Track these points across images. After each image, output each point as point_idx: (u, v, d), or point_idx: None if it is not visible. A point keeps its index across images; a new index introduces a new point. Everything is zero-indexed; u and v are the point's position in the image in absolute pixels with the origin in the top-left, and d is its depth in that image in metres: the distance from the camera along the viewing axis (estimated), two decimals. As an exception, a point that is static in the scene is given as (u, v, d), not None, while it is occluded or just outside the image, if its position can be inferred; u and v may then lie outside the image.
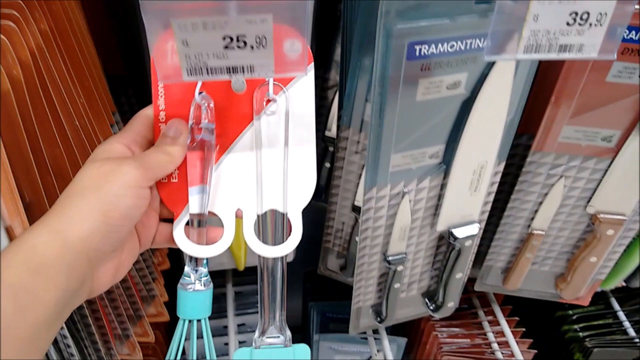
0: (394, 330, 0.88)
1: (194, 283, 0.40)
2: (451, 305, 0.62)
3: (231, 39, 0.30)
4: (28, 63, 0.37)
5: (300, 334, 0.95)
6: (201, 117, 0.38)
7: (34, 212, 0.39)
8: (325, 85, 0.62)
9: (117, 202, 0.34)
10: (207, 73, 0.32)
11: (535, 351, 0.79)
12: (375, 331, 0.79)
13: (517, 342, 0.76)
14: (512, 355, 0.76)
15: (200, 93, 0.38)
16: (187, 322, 0.40)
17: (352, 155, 0.56)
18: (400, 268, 0.56)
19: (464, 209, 0.53)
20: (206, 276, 0.40)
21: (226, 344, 0.74)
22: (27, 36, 0.37)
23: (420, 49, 0.39)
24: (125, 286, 0.55)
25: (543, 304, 0.80)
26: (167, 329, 0.74)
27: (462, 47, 0.40)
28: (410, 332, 0.87)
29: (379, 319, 0.62)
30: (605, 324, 0.85)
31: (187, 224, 0.39)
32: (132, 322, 0.55)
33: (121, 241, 0.36)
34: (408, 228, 0.53)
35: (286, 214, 0.40)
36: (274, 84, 0.39)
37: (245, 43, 0.31)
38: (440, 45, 0.39)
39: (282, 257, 0.40)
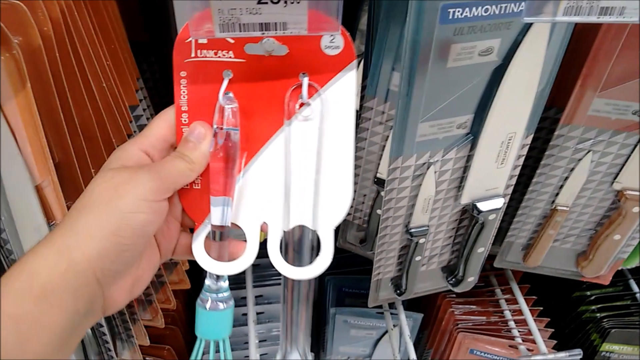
0: (410, 307, 0.88)
1: (214, 300, 0.37)
2: (471, 280, 0.62)
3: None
4: (58, 21, 0.36)
5: (315, 308, 0.95)
6: (226, 119, 0.35)
7: (63, 172, 0.39)
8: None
9: (129, 219, 0.31)
10: (240, 29, 0.31)
11: (552, 330, 0.78)
12: (392, 306, 0.79)
13: (534, 321, 0.76)
14: (529, 333, 0.75)
15: (226, 94, 0.35)
16: (204, 340, 0.37)
17: (376, 126, 0.55)
18: (422, 240, 0.55)
19: (490, 182, 0.52)
20: (227, 291, 0.37)
21: (244, 314, 0.74)
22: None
23: (453, 12, 0.38)
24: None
25: (561, 284, 0.80)
26: (187, 297, 0.75)
27: (497, 11, 0.39)
28: (426, 309, 0.87)
29: (398, 291, 0.62)
30: (624, 305, 0.84)
31: (208, 236, 0.36)
32: (154, 288, 0.55)
33: (134, 259, 0.33)
34: (432, 200, 0.52)
35: (316, 231, 0.36)
36: (309, 85, 0.35)
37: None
38: (474, 8, 0.38)
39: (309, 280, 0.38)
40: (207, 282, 0.37)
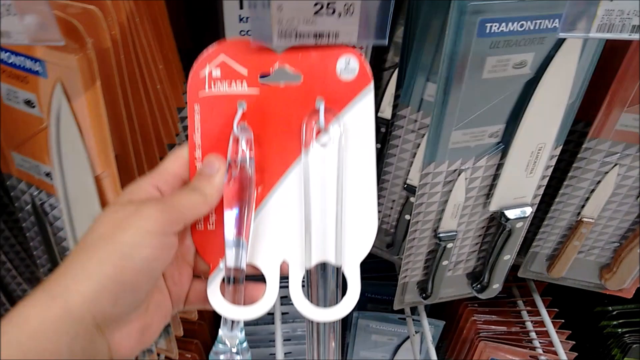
0: (430, 315, 0.89)
1: (230, 351, 0.34)
2: (496, 287, 0.63)
3: (322, 5, 0.32)
4: (124, 26, 0.40)
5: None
6: (240, 151, 0.34)
7: (120, 164, 0.42)
8: (382, 67, 0.64)
9: (132, 253, 0.28)
10: (296, 37, 0.34)
11: (574, 342, 0.79)
12: (414, 312, 0.80)
13: (556, 333, 0.77)
14: (550, 344, 0.76)
15: (239, 125, 0.34)
16: None
17: (408, 134, 0.58)
18: (450, 245, 0.57)
19: (518, 190, 0.54)
20: (244, 342, 0.34)
21: (270, 313, 0.77)
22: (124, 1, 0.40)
23: (491, 27, 0.41)
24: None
25: (582, 299, 0.81)
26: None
27: (532, 27, 0.41)
28: (447, 318, 0.88)
29: (424, 295, 0.63)
30: (646, 322, 0.85)
31: (224, 280, 0.34)
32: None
33: (139, 301, 0.30)
34: (461, 206, 0.54)
35: (341, 267, 0.34)
36: (326, 110, 0.33)
37: (334, 10, 0.33)
38: (510, 23, 0.41)
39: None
40: (222, 331, 0.34)
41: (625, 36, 0.36)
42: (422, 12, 0.49)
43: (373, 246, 0.70)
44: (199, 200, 0.32)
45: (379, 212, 0.67)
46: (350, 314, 0.86)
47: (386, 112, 0.66)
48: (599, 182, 0.58)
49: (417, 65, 0.52)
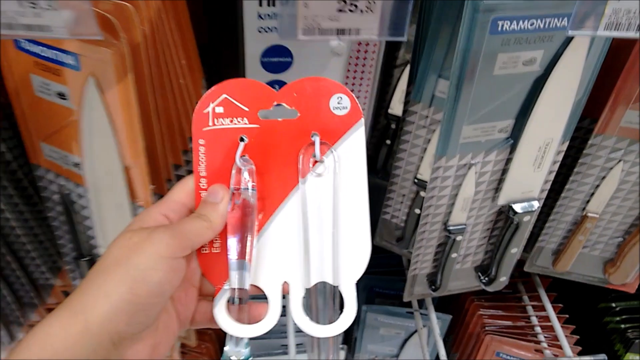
0: (438, 309, 0.91)
1: None
2: (503, 279, 0.65)
3: (345, 2, 0.34)
4: (151, 22, 0.41)
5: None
6: (242, 181, 0.36)
7: (147, 156, 0.44)
8: (393, 64, 0.66)
9: (145, 277, 0.31)
10: (319, 33, 0.36)
11: (578, 337, 0.81)
12: (421, 307, 0.82)
13: (560, 327, 0.78)
14: (555, 338, 0.78)
15: (242, 157, 0.36)
16: None
17: (419, 129, 0.59)
18: (459, 238, 0.59)
19: (526, 185, 0.56)
20: (249, 357, 0.37)
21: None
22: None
23: (502, 25, 0.42)
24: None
25: (586, 295, 0.82)
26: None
27: (541, 25, 0.43)
28: (454, 312, 0.90)
29: (433, 287, 0.65)
30: (648, 317, 0.86)
31: (229, 300, 0.36)
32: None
33: (150, 321, 0.33)
34: (471, 200, 0.56)
35: (338, 287, 0.36)
36: (321, 143, 0.36)
37: (356, 7, 0.35)
38: (521, 22, 0.43)
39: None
40: (228, 347, 0.36)
41: (631, 34, 0.38)
42: (435, 11, 0.51)
43: (383, 240, 0.72)
44: (205, 226, 0.34)
45: (389, 206, 0.69)
46: (359, 308, 0.88)
47: (396, 109, 0.68)
48: (603, 177, 0.59)
49: (429, 62, 0.54)
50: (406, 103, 0.60)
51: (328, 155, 0.36)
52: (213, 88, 0.36)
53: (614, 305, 0.88)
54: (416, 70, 0.56)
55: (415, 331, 0.87)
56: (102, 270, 0.31)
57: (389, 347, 0.92)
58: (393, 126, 0.70)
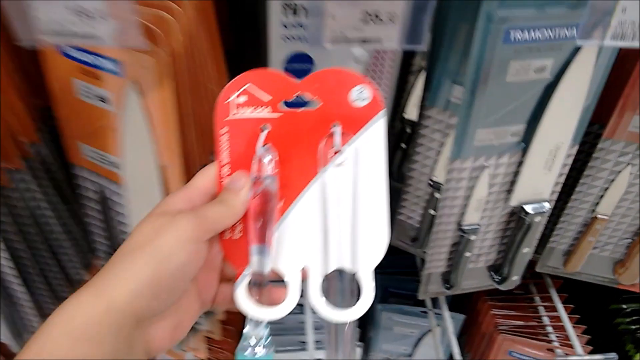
0: (451, 309, 0.93)
1: (255, 347, 0.37)
2: (515, 278, 0.67)
3: (369, 14, 0.37)
4: (188, 30, 0.45)
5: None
6: (264, 169, 0.37)
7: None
8: (408, 70, 0.69)
9: (168, 259, 0.32)
10: (344, 42, 0.39)
11: (589, 337, 0.82)
12: (435, 306, 0.85)
13: (572, 327, 0.80)
14: (566, 338, 0.80)
15: (264, 145, 0.37)
16: None
17: (434, 133, 0.62)
18: (473, 237, 0.61)
19: (537, 186, 0.58)
20: (268, 339, 0.37)
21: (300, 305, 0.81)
22: (189, 9, 0.45)
23: (515, 34, 0.45)
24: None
25: (597, 296, 0.84)
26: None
27: (552, 35, 0.46)
28: (467, 312, 0.92)
29: (447, 286, 0.68)
30: (659, 319, 0.88)
31: (249, 284, 0.37)
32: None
33: (173, 301, 0.34)
34: (484, 200, 0.58)
35: (356, 273, 0.37)
36: (341, 133, 0.37)
37: (378, 18, 0.38)
38: (532, 32, 0.45)
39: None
40: (247, 329, 0.37)
41: (636, 44, 0.41)
42: (450, 20, 0.54)
43: (398, 240, 0.75)
44: (227, 211, 0.35)
45: (404, 207, 0.71)
46: (374, 307, 0.90)
47: (411, 114, 0.70)
48: (612, 180, 0.62)
49: (444, 69, 0.57)
50: (422, 108, 0.62)
51: (348, 146, 0.37)
52: (236, 78, 0.37)
53: (624, 306, 0.90)
54: (431, 76, 0.59)
55: (429, 330, 0.89)
56: (127, 253, 0.32)
57: (403, 346, 0.94)
58: (408, 130, 0.72)
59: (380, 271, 0.93)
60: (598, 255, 0.70)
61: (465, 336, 0.95)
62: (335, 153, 0.37)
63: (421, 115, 0.62)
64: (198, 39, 0.47)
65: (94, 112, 0.47)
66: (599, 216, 0.65)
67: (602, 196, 0.63)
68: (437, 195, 0.65)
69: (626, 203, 0.63)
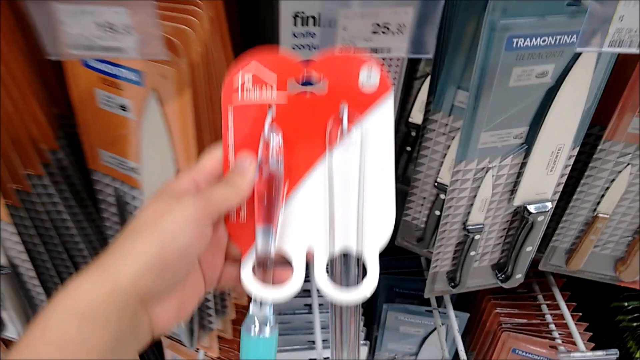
0: (455, 308, 0.95)
1: (260, 326, 0.37)
2: (519, 277, 0.69)
3: (379, 26, 0.39)
4: (204, 43, 0.47)
5: (367, 308, 1.03)
6: (270, 150, 0.37)
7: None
8: (413, 76, 0.71)
9: (173, 240, 0.32)
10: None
11: (591, 333, 0.84)
12: (440, 305, 0.87)
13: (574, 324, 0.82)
14: (569, 335, 0.82)
15: (270, 126, 0.37)
16: None
17: (440, 137, 0.64)
18: (477, 237, 0.63)
19: (540, 187, 0.60)
20: (272, 317, 0.38)
21: (307, 305, 0.83)
22: (205, 21, 0.47)
23: (517, 42, 0.47)
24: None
25: (599, 295, 0.86)
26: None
27: (552, 42, 0.48)
28: (472, 311, 0.94)
29: (452, 284, 0.70)
30: (660, 316, 0.90)
31: (255, 264, 0.37)
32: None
33: (177, 281, 0.34)
34: (488, 201, 0.60)
35: (361, 254, 0.37)
36: (349, 114, 0.37)
37: (388, 29, 0.40)
38: (534, 39, 0.47)
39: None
40: (252, 308, 0.37)
41: (633, 50, 0.43)
42: (454, 28, 0.56)
43: (404, 240, 0.77)
44: (232, 192, 0.35)
45: (410, 208, 0.73)
46: (380, 307, 0.92)
47: (416, 118, 0.73)
48: (613, 180, 0.64)
49: (449, 75, 0.59)
50: (427, 112, 0.64)
51: (356, 126, 0.37)
52: (243, 58, 0.36)
53: (626, 304, 0.92)
54: (436, 82, 0.61)
55: (434, 329, 0.91)
56: (131, 233, 0.32)
57: (408, 345, 0.96)
58: (413, 134, 0.74)
59: (385, 272, 0.95)
60: (599, 253, 0.72)
61: (469, 335, 0.97)
62: (342, 134, 0.37)
63: (426, 120, 0.64)
64: (213, 49, 0.49)
65: (114, 120, 0.49)
66: (600, 215, 0.67)
67: (603, 196, 0.65)
68: (442, 196, 0.67)
69: (626, 202, 0.65)
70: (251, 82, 0.37)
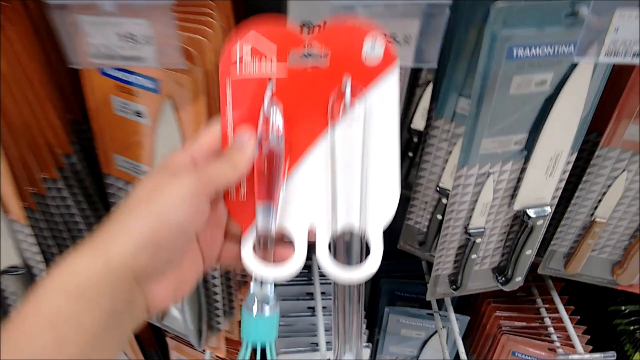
0: (456, 311, 0.96)
1: (260, 304, 0.36)
2: (518, 279, 0.71)
3: (385, 35, 0.41)
4: (217, 52, 0.49)
5: (369, 311, 1.04)
6: (270, 126, 0.35)
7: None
8: (416, 84, 0.73)
9: (168, 216, 0.31)
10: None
11: (589, 336, 0.86)
12: (441, 308, 0.88)
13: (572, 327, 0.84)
14: (568, 338, 0.83)
15: (270, 100, 0.36)
16: (250, 346, 0.36)
17: (442, 143, 0.66)
18: (478, 240, 0.65)
19: (539, 191, 0.62)
20: (272, 295, 0.37)
21: (310, 307, 0.85)
22: (218, 31, 0.49)
23: (517, 51, 0.49)
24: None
25: (596, 298, 0.88)
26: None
27: (551, 52, 0.50)
28: (472, 314, 0.95)
29: (453, 287, 0.71)
30: (657, 320, 0.91)
31: (255, 242, 0.36)
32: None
33: (173, 258, 0.33)
34: (489, 205, 0.62)
35: (365, 231, 0.36)
36: (352, 87, 0.35)
37: (395, 39, 0.42)
38: (533, 49, 0.49)
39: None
40: (252, 287, 0.36)
41: (628, 60, 0.45)
42: (456, 37, 0.58)
43: (407, 244, 0.78)
44: (230, 168, 0.34)
45: (412, 213, 0.75)
46: (381, 310, 0.94)
47: (418, 124, 0.74)
48: (609, 185, 0.65)
49: (451, 83, 0.61)
50: (429, 119, 0.66)
51: (359, 100, 0.35)
52: (242, 29, 0.35)
53: (623, 308, 0.94)
54: (439, 89, 0.63)
55: (435, 332, 0.93)
56: (126, 209, 0.32)
57: (409, 348, 0.98)
58: (415, 140, 0.76)
59: (387, 275, 0.96)
60: (597, 257, 0.73)
61: (469, 339, 0.98)
62: (345, 108, 0.35)
63: (428, 126, 0.66)
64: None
65: (130, 126, 0.51)
66: (597, 219, 0.69)
67: (600, 200, 0.67)
68: (444, 200, 0.69)
69: (623, 207, 0.67)
70: (250, 55, 0.35)
